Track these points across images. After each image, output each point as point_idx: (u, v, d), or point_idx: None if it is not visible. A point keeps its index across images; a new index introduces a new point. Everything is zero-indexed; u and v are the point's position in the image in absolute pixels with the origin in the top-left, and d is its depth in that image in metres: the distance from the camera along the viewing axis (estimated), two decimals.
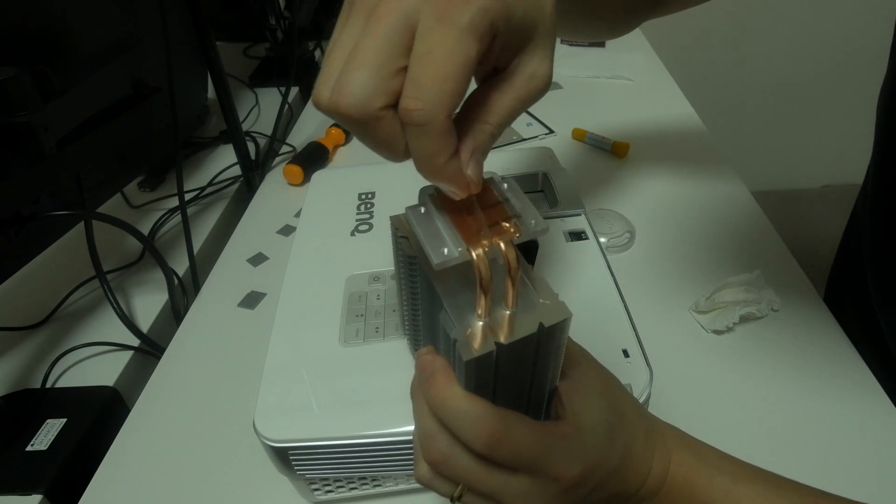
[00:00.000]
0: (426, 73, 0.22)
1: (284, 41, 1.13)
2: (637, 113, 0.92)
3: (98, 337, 0.62)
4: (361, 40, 0.23)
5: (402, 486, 0.44)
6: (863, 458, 0.46)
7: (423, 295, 0.33)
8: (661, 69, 1.06)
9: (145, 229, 0.77)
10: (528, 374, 0.29)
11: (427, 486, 0.30)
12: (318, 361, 0.42)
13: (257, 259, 0.70)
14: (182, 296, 0.69)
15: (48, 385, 0.57)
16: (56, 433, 0.52)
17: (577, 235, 0.51)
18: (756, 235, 0.67)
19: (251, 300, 0.64)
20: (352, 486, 0.43)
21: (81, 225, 0.60)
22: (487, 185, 0.29)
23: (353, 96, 0.23)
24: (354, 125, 0.25)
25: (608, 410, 0.30)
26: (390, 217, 0.33)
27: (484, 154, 0.26)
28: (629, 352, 0.41)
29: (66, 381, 0.58)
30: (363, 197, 0.58)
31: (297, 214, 0.75)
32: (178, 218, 0.78)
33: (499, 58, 0.26)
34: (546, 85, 0.27)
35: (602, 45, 1.14)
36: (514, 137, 0.88)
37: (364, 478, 0.42)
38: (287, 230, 0.74)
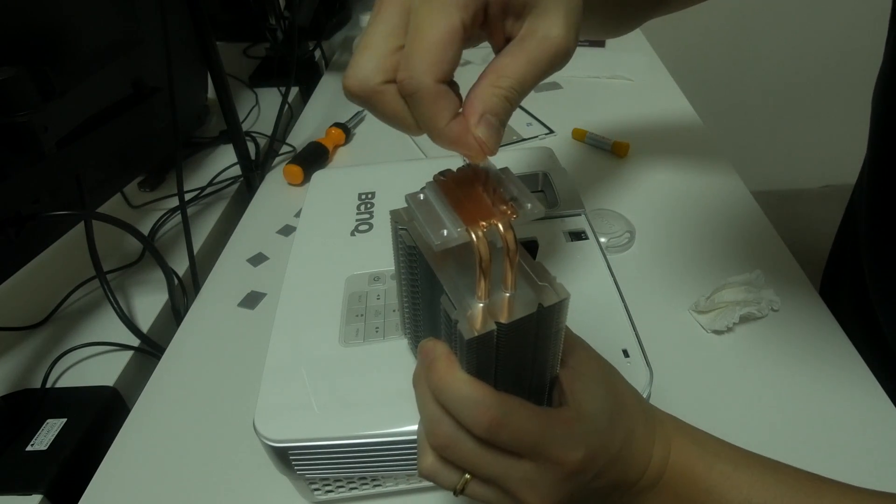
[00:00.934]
0: (412, 46, 0.25)
1: (284, 41, 1.13)
2: (637, 113, 0.92)
3: (98, 337, 0.62)
4: (367, 28, 0.27)
5: (402, 486, 0.44)
6: (862, 456, 0.46)
7: (423, 285, 0.33)
8: (661, 69, 1.06)
9: (145, 229, 0.77)
10: (529, 357, 0.29)
11: (431, 479, 0.30)
12: (318, 361, 0.42)
13: (257, 259, 0.70)
14: (182, 296, 0.69)
15: (48, 385, 0.57)
16: (56, 433, 0.52)
17: (577, 235, 0.51)
18: (756, 235, 0.67)
19: (251, 300, 0.64)
20: (352, 486, 0.43)
21: (81, 225, 0.60)
22: (485, 172, 0.30)
23: (355, 77, 0.26)
24: (362, 102, 0.27)
25: (608, 398, 0.31)
26: (390, 211, 0.34)
27: (499, 117, 0.26)
28: (629, 352, 0.41)
29: (66, 381, 0.58)
30: (363, 197, 0.58)
31: (297, 214, 0.75)
32: (178, 218, 0.78)
33: (509, 27, 0.27)
34: (562, 49, 0.26)
35: (602, 45, 1.14)
36: (514, 137, 0.88)
37: (364, 478, 0.42)
38: (287, 230, 0.74)
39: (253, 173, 0.85)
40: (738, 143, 2.02)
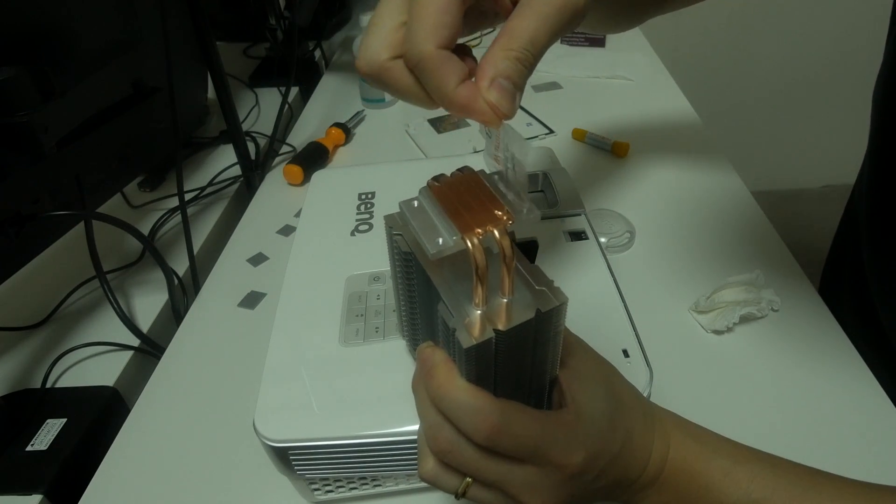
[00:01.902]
0: (413, 17, 0.25)
1: (284, 41, 1.13)
2: (637, 113, 0.92)
3: (98, 337, 0.62)
4: (376, 9, 0.28)
5: (402, 486, 0.44)
6: (862, 456, 0.46)
7: (420, 291, 0.33)
8: (661, 69, 1.06)
9: (145, 229, 0.77)
10: (528, 362, 0.29)
11: (432, 483, 0.30)
12: (318, 361, 0.42)
13: (257, 259, 0.70)
14: (182, 296, 0.69)
15: (48, 385, 0.57)
16: (56, 433, 0.52)
17: (577, 235, 0.51)
18: (756, 235, 0.67)
19: (251, 300, 0.64)
20: (352, 486, 0.43)
21: (81, 225, 0.60)
22: (479, 177, 0.30)
23: (364, 57, 0.27)
24: (374, 80, 0.28)
25: (608, 398, 0.31)
26: (385, 217, 0.34)
27: (511, 80, 0.25)
28: (629, 352, 0.41)
29: (66, 381, 0.58)
30: (363, 197, 0.58)
31: (297, 214, 0.75)
32: (178, 218, 0.78)
33: None
34: (570, 2, 0.26)
35: (602, 44, 1.14)
36: None
37: (364, 478, 0.42)
38: (287, 230, 0.74)
39: (253, 173, 0.85)
40: (738, 143, 2.02)
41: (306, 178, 0.81)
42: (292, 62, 0.85)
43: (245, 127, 0.94)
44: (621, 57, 1.09)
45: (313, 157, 0.84)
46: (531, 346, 0.28)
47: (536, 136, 0.89)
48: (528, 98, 0.97)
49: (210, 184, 0.85)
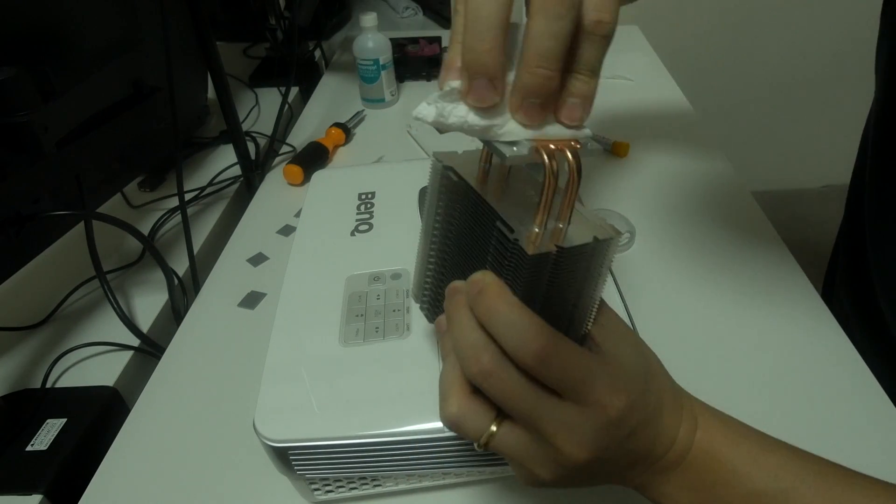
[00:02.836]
0: None
1: (284, 41, 1.13)
2: (637, 113, 0.92)
3: (98, 337, 0.62)
4: None
5: (402, 486, 0.44)
6: (862, 456, 0.46)
7: (463, 226, 0.32)
8: (661, 69, 1.06)
9: (145, 229, 0.77)
10: (574, 295, 0.29)
11: (455, 426, 0.29)
12: (318, 361, 0.42)
13: (257, 259, 0.70)
14: (182, 296, 0.69)
15: (48, 385, 0.57)
16: (56, 433, 0.52)
17: None
18: (756, 235, 0.67)
19: (251, 300, 0.64)
20: (352, 486, 0.43)
21: (81, 225, 0.60)
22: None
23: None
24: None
25: (641, 357, 0.31)
26: (434, 153, 0.33)
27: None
28: None
29: (66, 381, 0.58)
30: (363, 197, 0.58)
31: (297, 214, 0.75)
32: (178, 218, 0.78)
33: None
34: None
35: None
36: None
37: (364, 478, 0.42)
38: (287, 230, 0.74)
39: (253, 173, 0.85)
40: (738, 143, 2.02)
41: (306, 178, 0.81)
42: (292, 62, 0.85)
43: (245, 127, 0.94)
44: (621, 57, 1.09)
45: (313, 157, 0.84)
46: (582, 276, 0.28)
47: None
48: None
49: (210, 184, 0.85)
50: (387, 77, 0.98)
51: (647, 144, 0.84)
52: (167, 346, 0.60)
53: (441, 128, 0.28)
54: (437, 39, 1.12)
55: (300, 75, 1.12)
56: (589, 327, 0.31)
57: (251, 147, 0.89)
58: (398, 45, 1.07)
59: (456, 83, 0.27)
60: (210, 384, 0.55)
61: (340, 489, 0.43)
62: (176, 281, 0.67)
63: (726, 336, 0.56)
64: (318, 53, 1.21)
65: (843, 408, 0.49)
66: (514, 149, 0.26)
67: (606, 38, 0.26)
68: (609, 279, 0.46)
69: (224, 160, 0.89)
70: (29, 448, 0.51)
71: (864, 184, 0.53)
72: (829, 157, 2.03)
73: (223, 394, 0.54)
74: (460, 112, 0.27)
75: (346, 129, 0.91)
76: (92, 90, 0.57)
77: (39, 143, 0.49)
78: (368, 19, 0.93)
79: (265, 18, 1.08)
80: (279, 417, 0.38)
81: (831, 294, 0.60)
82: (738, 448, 0.31)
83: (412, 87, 1.07)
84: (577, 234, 0.27)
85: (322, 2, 1.14)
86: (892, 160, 0.48)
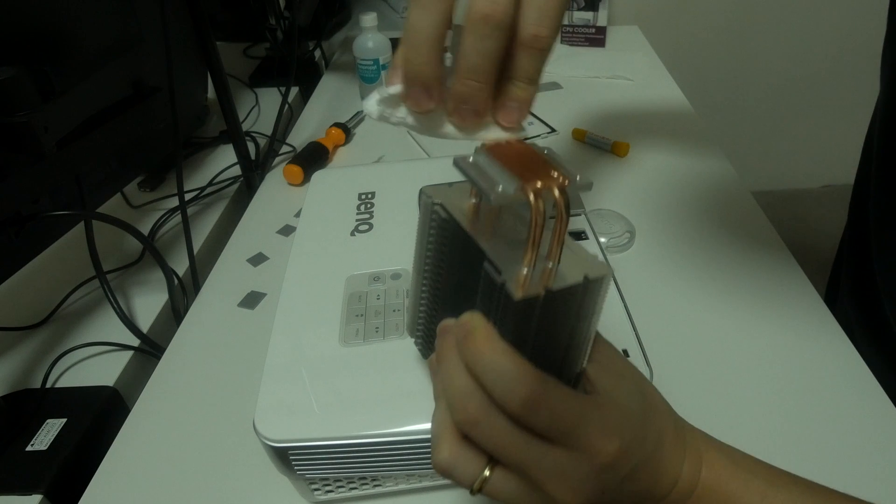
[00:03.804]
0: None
1: (284, 41, 1.13)
2: (637, 113, 0.92)
3: (98, 337, 0.62)
4: None
5: (402, 486, 0.44)
6: (862, 456, 0.46)
7: (453, 265, 0.32)
8: (661, 69, 1.06)
9: (145, 229, 0.77)
10: (566, 336, 0.28)
11: (447, 473, 0.28)
12: (318, 361, 0.42)
13: (257, 259, 0.70)
14: (182, 296, 0.69)
15: (48, 385, 0.57)
16: (56, 433, 0.52)
17: (577, 235, 0.51)
18: (756, 235, 0.67)
19: (251, 300, 0.64)
20: (352, 486, 0.43)
21: (81, 225, 0.60)
22: (531, 147, 0.29)
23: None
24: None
25: (639, 395, 0.29)
26: (422, 188, 0.33)
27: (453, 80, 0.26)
28: (629, 352, 0.41)
29: (66, 381, 0.58)
30: (363, 197, 0.58)
31: (297, 214, 0.75)
32: (178, 218, 0.78)
33: None
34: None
35: (602, 45, 1.14)
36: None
37: (364, 478, 0.42)
38: (287, 230, 0.74)
39: (253, 173, 0.85)
40: (738, 143, 2.02)
41: (306, 178, 0.81)
42: (292, 62, 0.85)
43: (245, 127, 0.94)
44: (621, 57, 1.09)
45: (313, 157, 0.84)
46: (573, 317, 0.28)
47: (539, 136, 0.89)
48: None
49: (210, 184, 0.85)
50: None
51: (647, 144, 0.84)
52: (167, 346, 0.60)
53: (387, 122, 0.29)
54: None
55: (300, 75, 1.12)
56: (584, 365, 0.30)
57: (251, 147, 0.89)
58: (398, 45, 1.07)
59: (395, 89, 0.28)
60: (210, 384, 0.55)
61: (340, 489, 0.43)
62: (176, 281, 0.67)
63: (726, 336, 0.56)
64: (318, 53, 1.21)
65: (842, 408, 0.49)
66: (500, 188, 0.26)
67: (543, 51, 0.27)
68: None
69: (224, 160, 0.89)
70: (29, 448, 0.51)
71: (867, 191, 0.53)
72: (829, 157, 2.03)
73: (223, 394, 0.54)
74: (401, 114, 0.28)
75: (346, 129, 0.91)
76: (92, 90, 0.57)
77: (39, 143, 0.49)
78: (368, 19, 0.93)
79: (265, 18, 1.08)
80: (279, 417, 0.38)
81: (835, 298, 0.60)
82: (747, 486, 0.30)
83: None
84: (569, 273, 0.26)
85: (322, 2, 1.14)
86: None
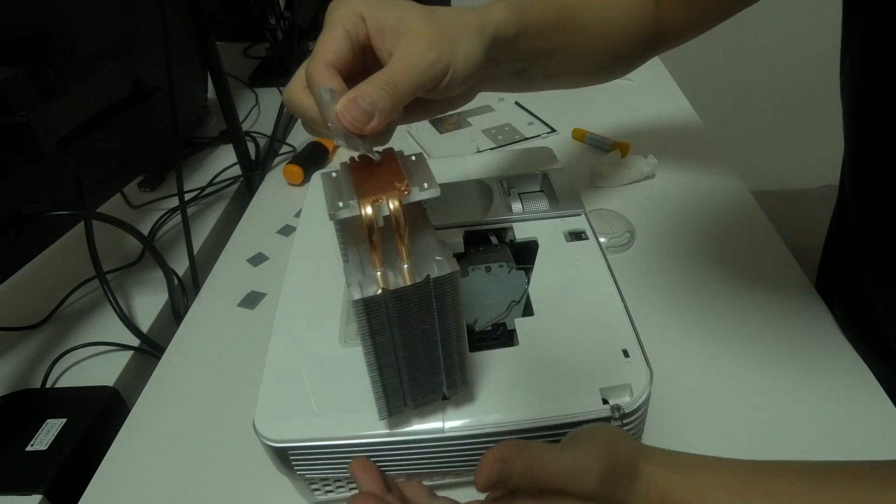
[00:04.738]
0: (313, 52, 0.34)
1: (284, 41, 1.13)
2: (637, 113, 0.92)
3: (98, 337, 0.62)
4: None
5: None
6: (861, 456, 0.46)
7: (392, 322, 0.34)
8: (661, 69, 1.06)
9: (145, 229, 0.77)
10: (433, 329, 0.33)
11: None
12: (318, 361, 0.42)
13: (257, 259, 0.70)
14: (182, 296, 0.69)
15: (48, 385, 0.57)
16: (56, 433, 0.52)
17: (577, 235, 0.51)
18: (756, 235, 0.67)
19: (251, 300, 0.64)
20: (352, 486, 0.43)
21: (81, 225, 0.60)
22: (393, 156, 0.34)
23: (286, 89, 0.35)
24: (289, 104, 0.35)
25: (587, 451, 0.32)
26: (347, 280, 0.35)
27: (369, 99, 0.30)
28: (629, 352, 0.41)
29: (66, 381, 0.58)
30: None
31: (297, 214, 0.75)
32: (178, 218, 0.78)
33: (389, 45, 0.34)
34: (422, 62, 0.33)
35: None
36: (517, 136, 0.88)
37: None
38: (287, 230, 0.74)
39: (253, 173, 0.85)
40: (738, 143, 2.02)
41: (306, 178, 0.81)
42: (292, 62, 0.85)
43: (245, 127, 0.94)
44: None
45: (313, 157, 0.84)
46: (431, 311, 0.32)
47: (539, 135, 0.89)
48: (529, 97, 0.97)
49: (210, 184, 0.85)
50: None
51: (647, 144, 0.84)
52: (167, 346, 0.60)
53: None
54: None
55: None
56: (464, 351, 0.35)
57: (251, 147, 0.89)
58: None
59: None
60: (210, 384, 0.55)
61: (340, 489, 0.43)
62: (176, 281, 0.67)
63: (725, 335, 0.56)
64: None
65: (842, 408, 0.49)
66: (340, 204, 0.30)
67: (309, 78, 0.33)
68: (609, 279, 0.46)
69: (224, 160, 0.89)
70: (29, 448, 0.51)
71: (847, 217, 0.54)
72: (829, 157, 2.03)
73: (223, 394, 0.54)
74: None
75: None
76: (92, 90, 0.57)
77: (39, 143, 0.49)
78: None
79: (265, 18, 1.08)
80: (279, 418, 0.38)
81: (823, 292, 0.60)
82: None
83: None
84: (419, 272, 0.31)
85: (322, 2, 1.14)
86: (873, 213, 0.48)
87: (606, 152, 0.83)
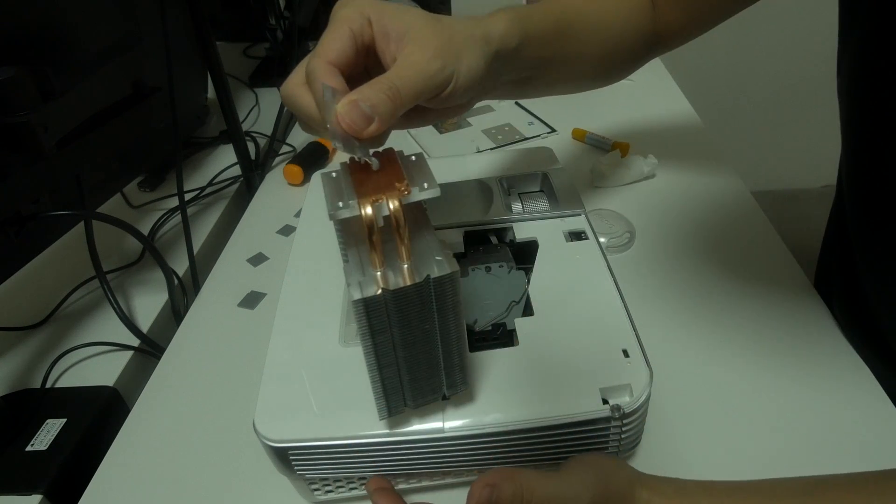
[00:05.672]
0: (315, 49, 0.34)
1: (284, 41, 1.13)
2: (637, 113, 0.92)
3: (98, 337, 0.62)
4: None
5: (401, 487, 0.44)
6: (861, 456, 0.46)
7: (392, 322, 0.34)
8: (661, 69, 1.06)
9: (145, 229, 0.77)
10: (433, 329, 0.33)
11: None
12: (318, 361, 0.42)
13: (257, 259, 0.70)
14: (182, 296, 0.69)
15: (48, 385, 0.57)
16: (56, 433, 0.52)
17: (577, 235, 0.51)
18: (756, 235, 0.67)
19: (251, 300, 0.64)
20: (352, 486, 0.43)
21: (81, 225, 0.60)
22: (392, 156, 0.34)
23: (284, 84, 0.36)
24: (287, 101, 0.35)
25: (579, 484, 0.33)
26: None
27: (369, 103, 0.30)
28: (629, 352, 0.41)
29: (66, 381, 0.58)
30: None
31: (297, 214, 0.75)
32: (178, 218, 0.78)
33: (393, 50, 0.33)
34: (424, 72, 0.32)
35: None
36: (517, 136, 0.88)
37: (364, 478, 0.42)
38: (287, 230, 0.74)
39: (253, 173, 0.85)
40: (738, 143, 2.02)
41: (306, 178, 0.81)
42: (292, 62, 0.85)
43: (245, 127, 0.94)
44: None
45: (313, 157, 0.84)
46: (431, 311, 0.32)
47: (539, 135, 0.89)
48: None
49: (210, 184, 0.85)
50: None
51: (647, 144, 0.83)
52: (167, 346, 0.60)
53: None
54: None
55: None
56: (464, 350, 0.35)
57: (251, 147, 0.89)
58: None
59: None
60: (210, 384, 0.55)
61: (340, 489, 0.43)
62: (176, 281, 0.67)
63: (725, 335, 0.56)
64: None
65: (842, 408, 0.49)
66: (340, 204, 0.30)
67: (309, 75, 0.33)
68: (609, 279, 0.46)
69: (224, 160, 0.89)
70: (29, 448, 0.51)
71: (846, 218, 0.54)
72: (828, 157, 2.03)
73: (223, 394, 0.54)
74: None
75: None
76: (92, 90, 0.57)
77: (39, 143, 0.49)
78: None
79: (265, 18, 1.08)
80: (279, 418, 0.38)
81: (821, 292, 0.60)
82: None
83: None
84: (418, 272, 0.31)
85: (322, 2, 1.14)
86: (872, 222, 0.48)
87: (606, 152, 0.83)
